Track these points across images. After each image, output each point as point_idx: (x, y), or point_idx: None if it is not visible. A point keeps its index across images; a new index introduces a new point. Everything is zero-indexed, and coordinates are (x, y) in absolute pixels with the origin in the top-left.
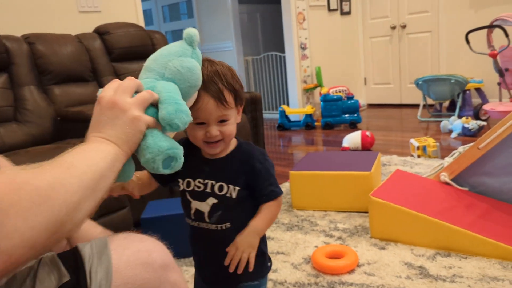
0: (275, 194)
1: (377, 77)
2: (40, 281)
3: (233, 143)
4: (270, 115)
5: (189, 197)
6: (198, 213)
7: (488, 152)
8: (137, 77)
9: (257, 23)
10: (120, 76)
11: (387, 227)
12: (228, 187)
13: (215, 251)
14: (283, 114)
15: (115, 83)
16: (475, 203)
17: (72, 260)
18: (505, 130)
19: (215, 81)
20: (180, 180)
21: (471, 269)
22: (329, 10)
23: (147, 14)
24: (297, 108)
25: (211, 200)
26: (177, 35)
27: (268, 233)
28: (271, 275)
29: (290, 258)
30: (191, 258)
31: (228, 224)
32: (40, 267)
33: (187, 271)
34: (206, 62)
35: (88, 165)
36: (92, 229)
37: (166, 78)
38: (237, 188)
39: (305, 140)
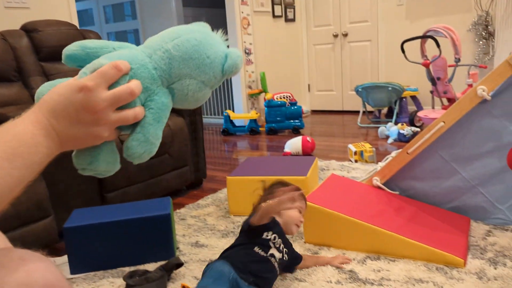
0: None
1: (320, 83)
2: None
3: None
4: (215, 120)
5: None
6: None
7: (416, 156)
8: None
9: None
10: (50, 76)
11: (320, 231)
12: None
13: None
14: (227, 119)
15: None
16: (404, 206)
17: None
18: (431, 135)
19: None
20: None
21: (398, 272)
22: (274, 16)
23: (87, 14)
24: (242, 113)
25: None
26: (120, 37)
27: (202, 241)
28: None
29: None
30: (119, 269)
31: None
32: None
33: (113, 283)
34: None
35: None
36: None
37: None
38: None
39: (249, 145)
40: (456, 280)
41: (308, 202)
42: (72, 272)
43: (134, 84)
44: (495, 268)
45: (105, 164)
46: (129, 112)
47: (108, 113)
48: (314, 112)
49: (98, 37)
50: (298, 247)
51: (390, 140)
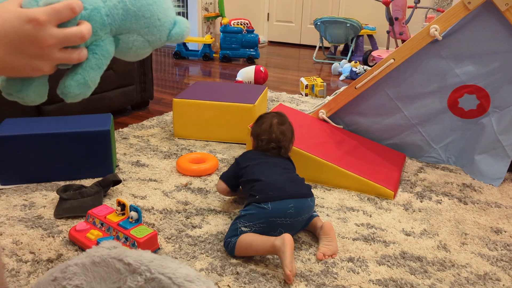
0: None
1: (280, 14)
2: None
3: None
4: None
5: None
6: None
7: (363, 92)
8: None
9: None
10: None
11: None
12: None
13: None
14: None
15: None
16: (346, 140)
17: None
18: (379, 72)
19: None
20: None
21: (332, 200)
22: None
23: None
24: (196, 36)
25: None
26: None
27: (144, 160)
28: (138, 201)
29: (162, 186)
30: (53, 183)
31: None
32: None
33: (46, 196)
34: (276, 118)
35: None
36: None
37: None
38: None
39: (201, 71)
40: (384, 210)
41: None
42: (2, 183)
43: (86, 29)
44: (421, 201)
45: (35, 95)
46: (74, 53)
47: (53, 50)
48: (271, 43)
49: None
50: None
51: (342, 77)
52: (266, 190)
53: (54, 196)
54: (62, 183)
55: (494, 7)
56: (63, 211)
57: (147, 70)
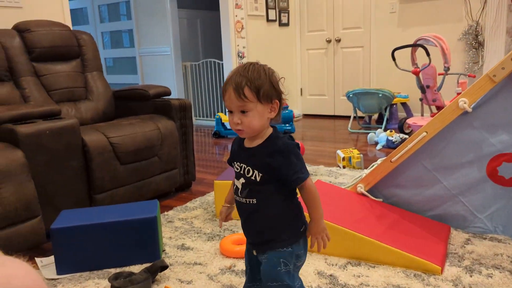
0: (301, 179)
1: (312, 88)
2: None
3: (266, 134)
4: (206, 122)
5: (234, 175)
6: (236, 188)
7: (400, 165)
8: (61, 79)
9: (197, 28)
10: (41, 77)
11: None
12: (254, 172)
13: (248, 220)
14: (219, 121)
15: None
16: (386, 213)
17: None
18: (414, 145)
19: (239, 78)
20: (234, 162)
21: (377, 278)
22: (268, 20)
23: (82, 13)
24: None
25: (242, 180)
26: (115, 36)
27: (188, 243)
28: (185, 287)
29: (207, 269)
30: (104, 271)
31: (254, 200)
32: None
33: (98, 284)
34: (248, 64)
35: None
36: None
37: None
38: (261, 174)
39: None
40: (432, 287)
41: None
42: (59, 273)
43: None
44: (471, 276)
45: None
46: None
47: None
48: (306, 116)
49: (90, 38)
50: None
51: (378, 147)
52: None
53: (106, 284)
54: (112, 270)
55: None
56: None
57: (189, 154)
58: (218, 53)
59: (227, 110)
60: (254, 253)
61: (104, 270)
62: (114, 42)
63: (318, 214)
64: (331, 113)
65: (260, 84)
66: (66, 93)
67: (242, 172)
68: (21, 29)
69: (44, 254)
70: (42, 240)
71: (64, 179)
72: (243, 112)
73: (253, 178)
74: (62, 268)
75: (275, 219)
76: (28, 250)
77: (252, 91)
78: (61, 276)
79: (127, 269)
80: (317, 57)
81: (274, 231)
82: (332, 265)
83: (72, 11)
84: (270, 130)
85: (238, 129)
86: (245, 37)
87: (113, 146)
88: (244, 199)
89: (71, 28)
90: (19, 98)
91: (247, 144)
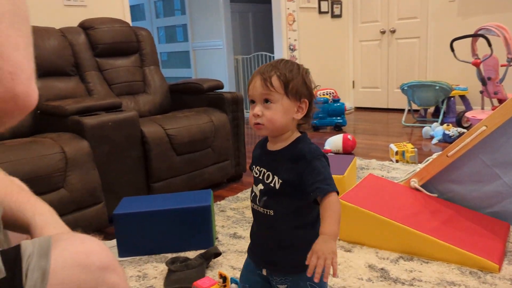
0: (321, 190)
1: (365, 80)
2: None
3: (292, 138)
4: None
5: (253, 181)
6: (254, 195)
7: (457, 160)
8: (121, 73)
9: (249, 22)
10: (104, 71)
11: (354, 230)
12: (274, 178)
13: (265, 234)
14: None
15: None
16: (441, 209)
17: (13, 257)
18: (472, 139)
19: (269, 67)
20: (253, 166)
21: (431, 273)
22: (320, 12)
23: (139, 9)
24: None
25: (260, 186)
26: (169, 31)
27: (240, 232)
28: (237, 274)
29: None
30: (162, 255)
31: (271, 211)
32: None
33: (156, 267)
34: (281, 59)
35: None
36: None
37: None
38: (280, 181)
39: None
40: (489, 285)
41: (342, 201)
42: (120, 255)
43: None
44: None
45: None
46: None
47: None
48: (358, 109)
49: (148, 33)
50: None
51: (434, 141)
52: None
53: (163, 267)
54: (169, 255)
55: None
56: (171, 283)
57: (241, 146)
58: (269, 46)
59: (250, 100)
60: (264, 273)
61: (162, 254)
62: (168, 37)
63: (332, 230)
64: (384, 106)
65: (291, 77)
66: (125, 87)
67: (261, 177)
68: (86, 27)
69: (107, 237)
70: (105, 224)
71: (125, 168)
72: (266, 102)
73: (272, 184)
74: (123, 251)
75: (297, 236)
76: (97, 235)
77: (280, 81)
78: (122, 259)
79: (182, 254)
80: (370, 49)
81: (294, 250)
82: (384, 258)
83: (131, 7)
84: (298, 134)
85: (257, 122)
86: (296, 30)
87: (170, 138)
88: (261, 209)
89: (131, 25)
90: (84, 92)
91: (270, 147)
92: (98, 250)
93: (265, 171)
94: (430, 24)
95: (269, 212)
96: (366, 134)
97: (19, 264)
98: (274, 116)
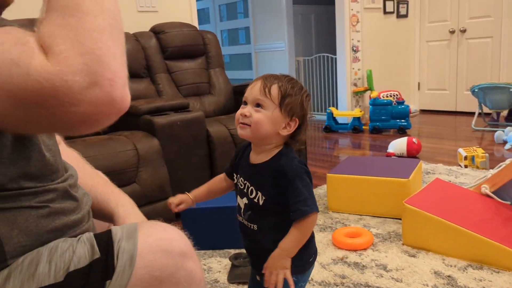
0: (301, 212)
1: (432, 82)
2: (76, 255)
3: (275, 152)
4: (317, 116)
5: (236, 190)
6: (239, 207)
7: None
8: (188, 75)
9: (311, 24)
10: (172, 73)
11: (419, 235)
12: (257, 193)
13: (250, 245)
14: (330, 116)
15: None
16: None
17: (105, 240)
18: None
19: (273, 77)
20: (235, 174)
21: (502, 284)
22: (385, 12)
23: (204, 13)
24: (345, 110)
25: (245, 200)
26: (232, 34)
27: None
28: None
29: (320, 258)
30: (225, 250)
31: (255, 226)
32: (78, 243)
33: (220, 262)
34: (289, 76)
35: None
36: (132, 220)
37: None
38: (264, 198)
39: (351, 144)
40: None
41: (408, 205)
42: None
43: None
44: None
45: None
46: None
47: None
48: (423, 111)
49: (214, 36)
50: (396, 248)
51: (507, 146)
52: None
53: (227, 262)
54: (232, 251)
55: None
56: (234, 277)
57: (302, 147)
58: (331, 47)
59: (242, 103)
60: (258, 278)
61: (225, 250)
62: (231, 39)
63: (289, 247)
64: (452, 109)
65: (290, 93)
66: (192, 88)
67: (245, 190)
68: (157, 31)
69: None
70: (172, 218)
71: (191, 165)
72: (257, 106)
73: (255, 200)
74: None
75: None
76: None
77: (279, 91)
78: None
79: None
80: (438, 49)
81: None
82: (451, 266)
83: (197, 12)
84: (281, 147)
85: (243, 122)
86: (360, 31)
87: (233, 137)
88: (246, 222)
89: (198, 28)
90: (154, 92)
91: (253, 158)
92: (178, 237)
93: (249, 185)
94: (504, 23)
95: (253, 226)
96: (432, 138)
97: (111, 247)
98: (260, 120)
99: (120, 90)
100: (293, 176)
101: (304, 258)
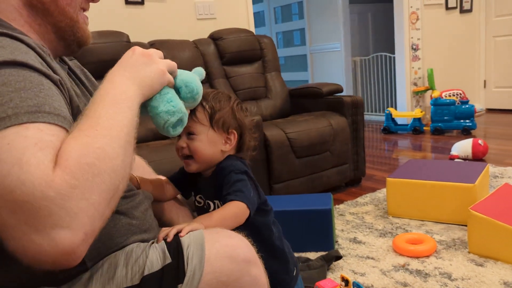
0: (227, 199)
1: (499, 79)
2: (149, 259)
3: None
4: (375, 118)
5: (195, 210)
6: None
7: None
8: (245, 80)
9: (368, 23)
10: (230, 78)
11: (487, 243)
12: (215, 204)
13: None
14: (389, 117)
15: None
16: None
17: (175, 246)
18: None
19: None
20: (192, 192)
21: None
22: (447, 8)
23: (260, 16)
24: (405, 111)
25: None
26: (287, 35)
27: (360, 237)
28: (358, 278)
29: (380, 264)
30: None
31: None
32: (150, 249)
33: None
34: (214, 90)
35: (120, 120)
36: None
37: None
38: (222, 203)
39: (411, 145)
40: None
41: (474, 212)
42: None
43: (176, 67)
44: None
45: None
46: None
47: (157, 56)
48: (490, 111)
49: (270, 41)
50: (461, 256)
51: None
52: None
53: None
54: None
55: None
56: None
57: (360, 150)
58: (388, 46)
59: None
60: None
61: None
62: (285, 41)
63: (206, 218)
64: None
65: (218, 108)
66: (249, 92)
67: (205, 207)
68: (215, 37)
69: None
70: None
71: (252, 170)
72: (189, 134)
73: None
74: None
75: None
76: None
77: (205, 112)
78: None
79: (303, 254)
80: (507, 45)
81: None
82: None
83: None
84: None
85: (184, 154)
86: (420, 29)
87: (290, 141)
88: None
89: (254, 33)
90: None
91: (202, 174)
92: (243, 245)
93: (209, 202)
94: None
95: None
96: (500, 139)
97: (181, 253)
98: (198, 148)
99: (81, 250)
100: (230, 171)
101: (281, 273)
